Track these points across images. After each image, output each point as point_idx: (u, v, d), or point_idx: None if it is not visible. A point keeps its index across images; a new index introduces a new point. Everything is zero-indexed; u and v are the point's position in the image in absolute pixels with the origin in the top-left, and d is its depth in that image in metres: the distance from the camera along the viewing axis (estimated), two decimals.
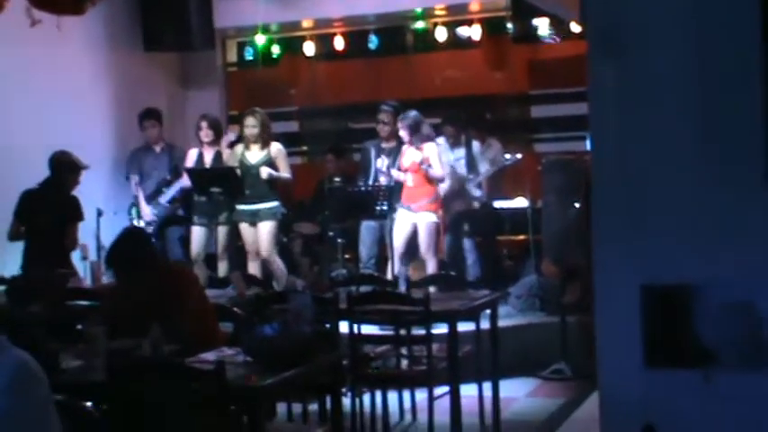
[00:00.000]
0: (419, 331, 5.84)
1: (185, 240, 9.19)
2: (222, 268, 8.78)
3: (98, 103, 9.61)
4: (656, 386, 3.11)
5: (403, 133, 8.41)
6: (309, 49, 10.66)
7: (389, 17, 10.25)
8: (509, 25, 9.87)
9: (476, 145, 8.98)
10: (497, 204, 9.29)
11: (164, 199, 9.18)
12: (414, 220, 8.31)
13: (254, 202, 8.51)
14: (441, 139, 8.87)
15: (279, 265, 8.52)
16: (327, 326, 5.52)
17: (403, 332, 5.92)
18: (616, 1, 3.48)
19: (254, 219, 8.53)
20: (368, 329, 6.09)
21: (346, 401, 5.59)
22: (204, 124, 8.97)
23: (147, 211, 9.23)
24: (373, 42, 10.36)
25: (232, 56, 11.17)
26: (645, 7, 3.40)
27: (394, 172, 8.44)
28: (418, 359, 5.94)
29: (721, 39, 3.06)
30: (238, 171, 8.50)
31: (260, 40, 10.67)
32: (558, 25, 9.79)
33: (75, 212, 7.58)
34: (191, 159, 8.98)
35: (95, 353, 4.41)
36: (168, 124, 10.03)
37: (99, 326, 4.54)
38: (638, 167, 3.44)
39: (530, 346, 7.70)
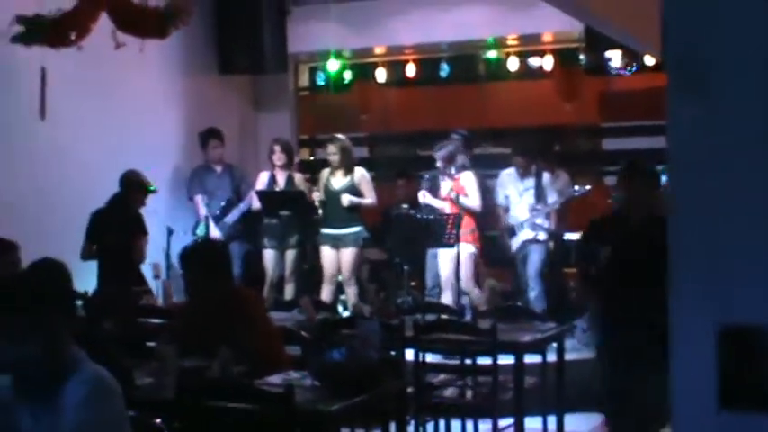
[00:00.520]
0: (484, 361, 5.82)
1: (247, 261, 9.28)
2: (289, 291, 8.85)
3: (172, 125, 9.76)
4: (730, 429, 3.06)
5: (439, 163, 8.49)
6: (381, 75, 10.73)
7: (462, 46, 10.28)
8: (581, 56, 9.85)
9: (546, 176, 8.93)
10: (566, 236, 9.22)
11: (229, 220, 9.27)
12: (454, 251, 8.35)
13: (338, 227, 8.64)
14: (510, 170, 8.86)
15: (354, 290, 8.62)
16: (393, 353, 5.53)
17: (468, 362, 5.91)
18: (698, 34, 3.43)
19: (336, 243, 8.65)
20: (431, 358, 6.08)
21: (409, 429, 5.58)
22: (278, 148, 9.09)
23: (215, 232, 9.33)
24: (445, 70, 10.39)
25: (304, 80, 11.29)
26: (728, 40, 3.35)
27: (429, 199, 8.46)
28: (482, 390, 5.92)
29: None
30: (318, 195, 8.61)
31: (332, 65, 10.78)
32: (632, 58, 9.74)
33: (139, 227, 7.71)
34: (261, 182, 9.09)
35: (166, 371, 4.48)
36: (240, 146, 10.16)
37: (170, 344, 4.61)
38: (717, 206, 3.39)
39: (595, 380, 7.60)
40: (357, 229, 8.67)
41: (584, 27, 8.25)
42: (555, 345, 6.46)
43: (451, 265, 8.33)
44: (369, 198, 8.67)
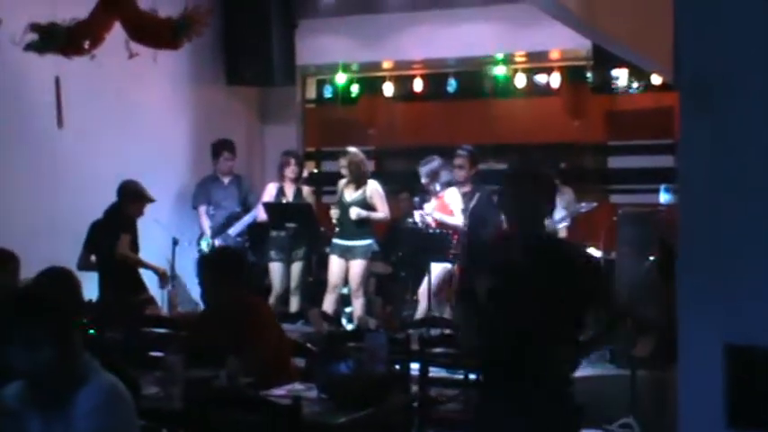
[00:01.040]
0: None
1: (251, 274, 9.29)
2: (294, 303, 8.86)
3: (179, 135, 9.79)
4: None
5: (423, 180, 8.57)
6: (388, 89, 10.76)
7: (469, 61, 10.33)
8: (588, 74, 9.88)
9: None
10: None
11: (233, 231, 9.26)
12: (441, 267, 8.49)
13: (349, 239, 8.67)
14: None
15: (361, 302, 8.64)
16: (398, 366, 5.54)
17: (473, 376, 5.90)
18: (710, 54, 3.45)
19: (345, 254, 8.68)
20: (436, 372, 6.08)
21: None
22: (293, 161, 9.13)
23: (214, 243, 9.33)
24: (452, 86, 10.44)
25: (311, 93, 11.33)
26: (739, 61, 3.37)
27: (437, 214, 8.53)
28: None
29: None
30: (335, 212, 8.66)
31: (340, 78, 10.82)
32: (639, 76, 9.78)
33: (122, 225, 7.62)
34: (269, 194, 9.09)
35: (173, 381, 4.49)
36: (246, 157, 10.19)
37: (177, 354, 4.62)
38: (726, 225, 3.40)
39: (598, 397, 7.59)
40: (368, 241, 8.71)
41: (591, 45, 8.28)
42: None
43: (435, 281, 8.42)
44: (381, 212, 8.70)
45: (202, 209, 9.45)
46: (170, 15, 6.52)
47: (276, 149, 9.81)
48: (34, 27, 6.40)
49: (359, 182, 8.71)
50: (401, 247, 9.08)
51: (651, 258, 7.93)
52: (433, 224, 8.59)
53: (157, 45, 6.38)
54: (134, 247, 7.69)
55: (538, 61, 10.25)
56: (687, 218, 3.55)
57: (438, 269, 8.50)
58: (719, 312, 3.35)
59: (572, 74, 10.23)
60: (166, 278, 7.95)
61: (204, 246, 9.33)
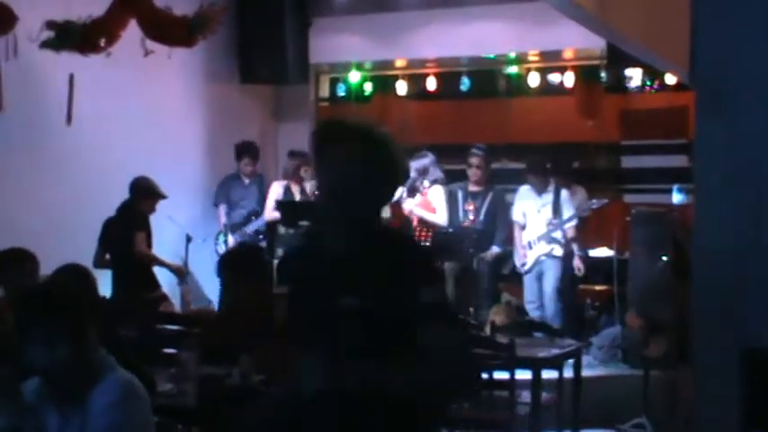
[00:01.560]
0: (501, 376, 5.83)
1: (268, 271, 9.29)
2: None
3: (192, 132, 9.81)
4: None
5: (413, 174, 8.55)
6: (402, 88, 10.77)
7: (482, 60, 10.32)
8: (602, 74, 9.87)
9: (564, 192, 8.92)
10: (580, 253, 9.21)
11: (250, 229, 9.29)
12: None
13: None
14: (526, 186, 8.86)
15: None
16: None
17: (485, 376, 5.92)
18: (727, 54, 3.46)
19: None
20: None
21: None
22: (304, 161, 9.10)
23: (230, 240, 9.36)
24: (465, 84, 10.42)
25: (324, 91, 11.33)
26: (756, 61, 3.37)
27: (418, 211, 8.53)
28: (499, 404, 5.93)
29: None
30: None
31: (353, 76, 10.83)
32: (653, 76, 9.77)
33: (137, 222, 7.62)
34: (276, 192, 9.08)
35: (186, 378, 4.50)
36: (260, 155, 10.20)
37: (191, 351, 4.63)
38: (742, 228, 3.39)
39: (611, 397, 7.60)
40: None
41: (605, 44, 8.27)
42: (572, 361, 6.46)
43: None
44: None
45: (221, 207, 9.54)
46: (185, 13, 6.55)
47: (290, 147, 9.81)
48: (50, 25, 6.43)
49: None
50: None
51: (664, 258, 7.93)
52: (415, 221, 8.58)
53: (172, 43, 6.41)
54: (148, 244, 7.71)
55: (551, 60, 10.23)
56: (702, 220, 3.54)
57: None
58: (736, 317, 3.35)
59: (586, 73, 10.21)
60: (183, 273, 7.96)
61: (221, 242, 9.38)
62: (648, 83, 9.76)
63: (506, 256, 8.99)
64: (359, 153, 2.71)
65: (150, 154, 8.63)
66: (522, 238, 8.75)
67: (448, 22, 9.89)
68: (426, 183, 8.58)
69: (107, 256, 7.65)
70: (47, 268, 5.26)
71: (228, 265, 5.14)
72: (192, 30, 6.26)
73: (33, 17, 6.51)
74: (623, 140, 10.56)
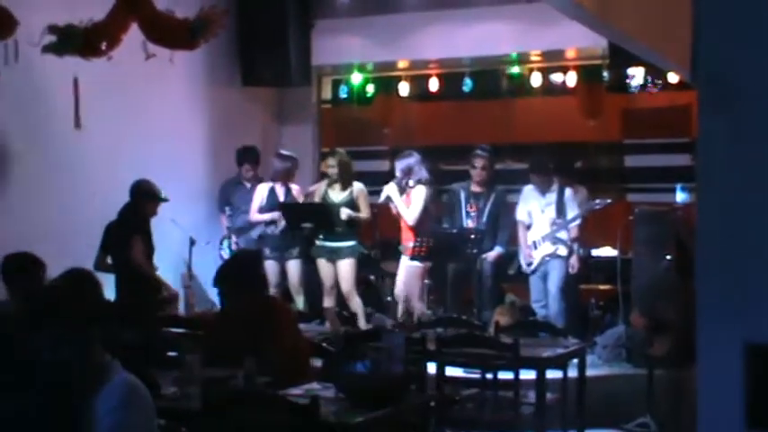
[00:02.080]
0: (505, 376, 5.83)
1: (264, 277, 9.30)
2: (299, 302, 8.88)
3: (195, 136, 9.82)
4: None
5: (398, 173, 8.60)
6: (404, 89, 10.77)
7: (485, 61, 10.32)
8: (605, 73, 9.86)
9: (567, 191, 8.91)
10: (582, 254, 9.20)
11: (255, 233, 9.27)
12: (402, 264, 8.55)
13: (334, 240, 8.65)
14: (530, 186, 8.85)
15: (358, 302, 8.63)
16: (414, 366, 5.54)
17: (489, 376, 5.92)
18: (729, 50, 3.43)
19: (332, 256, 8.68)
20: (452, 372, 6.09)
21: None
22: (295, 164, 9.10)
23: (233, 245, 9.35)
24: (467, 85, 10.41)
25: (327, 93, 11.33)
26: (759, 57, 3.35)
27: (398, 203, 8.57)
28: (503, 404, 5.93)
29: None
30: (347, 212, 8.65)
31: (356, 78, 10.84)
32: (655, 75, 9.75)
33: (135, 226, 7.58)
34: (261, 194, 9.04)
35: (191, 381, 4.51)
36: (262, 158, 10.20)
37: (195, 354, 4.64)
38: (746, 224, 3.38)
39: (615, 397, 7.60)
40: (353, 242, 8.71)
41: (607, 44, 8.26)
42: (576, 361, 6.46)
43: (404, 279, 8.53)
44: (364, 213, 8.71)
45: (224, 211, 9.59)
46: (186, 16, 6.55)
47: (292, 150, 9.82)
48: (52, 29, 6.43)
49: (346, 182, 8.72)
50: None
51: (668, 257, 7.92)
52: (393, 210, 8.63)
53: (174, 46, 6.41)
54: (149, 248, 7.68)
55: (553, 60, 10.24)
56: (706, 216, 3.53)
57: (406, 270, 8.54)
58: (740, 312, 3.34)
59: (588, 73, 10.20)
60: (175, 301, 7.88)
61: (225, 247, 9.39)
62: (651, 82, 9.74)
63: (510, 256, 8.99)
64: None
65: (152, 157, 8.63)
66: (527, 238, 8.75)
67: (450, 23, 9.90)
68: (411, 182, 8.58)
69: (108, 260, 7.64)
70: (52, 272, 5.26)
71: (223, 279, 5.17)
72: (194, 33, 6.26)
73: (35, 21, 6.52)
74: (626, 140, 10.56)
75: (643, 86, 9.84)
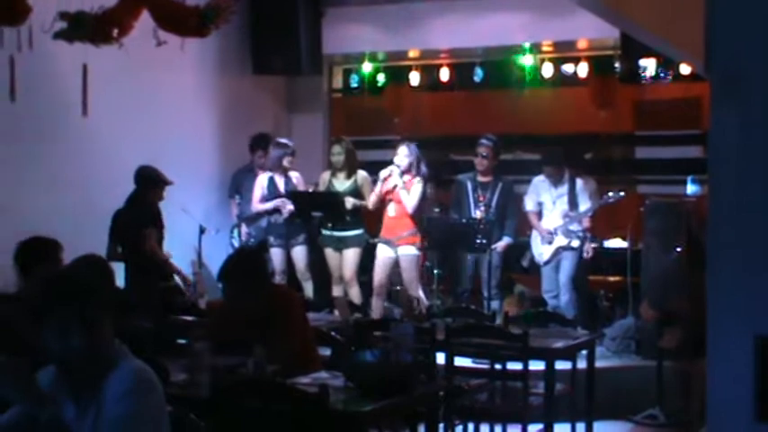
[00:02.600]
0: (514, 366, 5.83)
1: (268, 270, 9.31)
2: (308, 289, 8.90)
3: (205, 123, 9.83)
4: None
5: (408, 159, 8.54)
6: (415, 78, 10.75)
7: (496, 51, 10.29)
8: (616, 64, 9.82)
9: (579, 182, 8.89)
10: (595, 245, 9.18)
11: (264, 222, 9.27)
12: (395, 254, 8.53)
13: (340, 229, 8.66)
14: (540, 177, 8.84)
15: (357, 291, 8.66)
16: (422, 356, 5.54)
17: (498, 367, 5.92)
18: (743, 42, 3.42)
19: (339, 245, 8.70)
20: (461, 362, 6.09)
21: None
22: (291, 151, 9.04)
23: (243, 233, 9.36)
24: (478, 75, 10.39)
25: (337, 82, 11.32)
26: None
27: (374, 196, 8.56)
28: (512, 395, 5.93)
29: None
30: (352, 201, 8.65)
31: (366, 67, 10.82)
32: (667, 66, 9.71)
33: (149, 218, 7.58)
34: (261, 183, 8.99)
35: (200, 368, 4.51)
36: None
37: (204, 342, 4.64)
38: (757, 216, 3.37)
39: (624, 388, 7.60)
40: (359, 231, 8.73)
41: (619, 34, 8.23)
42: (585, 352, 6.45)
43: (386, 269, 8.55)
44: (369, 202, 8.72)
45: (234, 199, 9.60)
46: (197, 3, 6.54)
47: (303, 139, 9.82)
48: (63, 15, 6.42)
49: (351, 170, 8.72)
50: (426, 237, 9.07)
51: (678, 249, 7.90)
52: (381, 195, 8.60)
53: (185, 33, 6.39)
54: (160, 236, 7.69)
55: (565, 51, 10.20)
56: (717, 208, 3.53)
57: (402, 259, 8.52)
58: (750, 304, 3.34)
59: (599, 63, 10.17)
60: (188, 284, 7.89)
61: (236, 236, 9.39)
62: (663, 73, 9.69)
63: (522, 248, 8.98)
64: None
65: (163, 144, 8.64)
66: (541, 227, 8.73)
67: (461, 13, 9.87)
68: (416, 173, 8.54)
69: (119, 249, 7.64)
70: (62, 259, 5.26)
71: (226, 276, 5.19)
72: (205, 20, 6.24)
73: (46, 8, 6.51)
74: (637, 131, 10.51)
75: (655, 78, 9.79)
